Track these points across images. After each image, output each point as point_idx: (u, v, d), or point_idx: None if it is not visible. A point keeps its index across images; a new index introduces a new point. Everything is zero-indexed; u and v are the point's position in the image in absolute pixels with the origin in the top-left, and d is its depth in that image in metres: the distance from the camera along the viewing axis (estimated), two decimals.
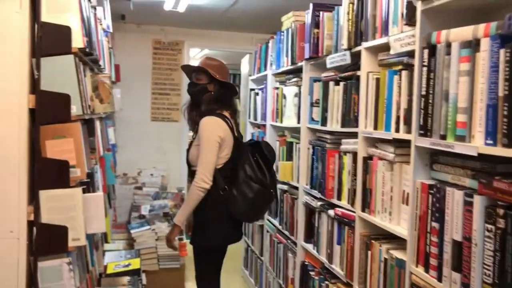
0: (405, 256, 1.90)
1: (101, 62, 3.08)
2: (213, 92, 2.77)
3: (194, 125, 2.77)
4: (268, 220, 3.85)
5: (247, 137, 4.71)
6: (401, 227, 2.02)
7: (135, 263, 3.68)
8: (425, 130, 1.71)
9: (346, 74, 2.57)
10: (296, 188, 3.22)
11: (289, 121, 3.41)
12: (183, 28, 5.41)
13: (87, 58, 2.62)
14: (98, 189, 3.17)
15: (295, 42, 3.23)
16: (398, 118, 2.01)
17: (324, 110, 2.81)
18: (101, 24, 3.33)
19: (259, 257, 4.09)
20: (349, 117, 2.50)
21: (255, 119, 4.37)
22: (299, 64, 3.17)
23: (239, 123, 3.04)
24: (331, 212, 2.63)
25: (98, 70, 3.14)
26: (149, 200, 4.79)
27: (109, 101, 2.78)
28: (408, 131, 1.93)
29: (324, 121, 2.81)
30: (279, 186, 3.56)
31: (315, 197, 2.90)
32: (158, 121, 5.48)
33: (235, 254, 5.06)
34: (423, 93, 1.72)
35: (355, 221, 2.35)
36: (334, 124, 2.67)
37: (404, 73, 1.98)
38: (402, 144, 2.06)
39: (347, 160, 2.51)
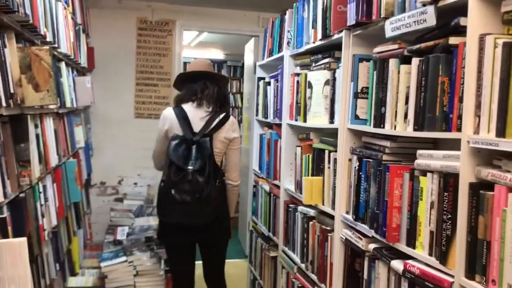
0: None
1: (44, 31, 2.10)
2: None
3: None
4: (283, 251, 2.88)
5: (254, 140, 3.73)
6: None
7: None
8: None
9: (426, 44, 1.59)
10: (330, 216, 2.25)
11: (317, 119, 2.43)
12: (175, 4, 4.42)
13: (8, 18, 1.64)
14: (43, 217, 2.20)
15: (330, 5, 2.25)
16: None
17: (379, 103, 1.84)
18: None
19: None
20: (433, 113, 1.53)
21: (265, 116, 3.39)
22: (336, 36, 2.19)
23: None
24: (396, 264, 1.66)
25: (42, 44, 2.16)
26: (129, 218, 3.80)
27: (48, 87, 1.80)
28: None
29: (379, 120, 1.84)
30: (301, 209, 2.58)
31: (363, 234, 1.93)
32: (144, 118, 4.49)
33: (238, 282, 4.11)
34: None
35: None
36: (400, 125, 1.70)
37: None
38: None
39: (429, 184, 1.53)
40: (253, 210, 3.65)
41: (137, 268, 3.06)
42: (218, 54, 8.45)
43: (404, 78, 1.70)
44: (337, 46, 2.24)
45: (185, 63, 9.39)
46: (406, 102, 1.68)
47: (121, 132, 4.45)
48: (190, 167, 2.39)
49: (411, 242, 1.63)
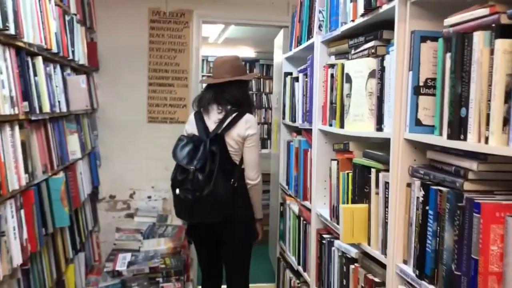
0: None
1: None
2: None
3: None
4: None
5: (281, 147, 3.11)
6: None
7: None
8: None
9: None
10: (379, 263, 1.60)
11: (359, 125, 1.79)
12: None
13: None
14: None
15: None
16: None
17: (457, 101, 1.19)
18: None
19: None
20: None
21: (293, 120, 2.76)
22: (385, 8, 1.55)
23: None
24: None
25: None
26: (136, 241, 3.26)
27: None
28: None
29: (456, 128, 1.19)
30: (339, 244, 1.94)
31: None
32: (158, 122, 3.93)
33: None
34: None
35: None
36: (496, 136, 1.05)
37: None
38: None
39: None
40: (280, 233, 3.03)
41: None
42: (248, 52, 7.86)
43: (503, 60, 1.05)
44: (386, 23, 1.60)
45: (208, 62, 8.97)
46: (507, 101, 1.03)
47: (133, 139, 3.92)
48: (191, 167, 2.39)
49: None
